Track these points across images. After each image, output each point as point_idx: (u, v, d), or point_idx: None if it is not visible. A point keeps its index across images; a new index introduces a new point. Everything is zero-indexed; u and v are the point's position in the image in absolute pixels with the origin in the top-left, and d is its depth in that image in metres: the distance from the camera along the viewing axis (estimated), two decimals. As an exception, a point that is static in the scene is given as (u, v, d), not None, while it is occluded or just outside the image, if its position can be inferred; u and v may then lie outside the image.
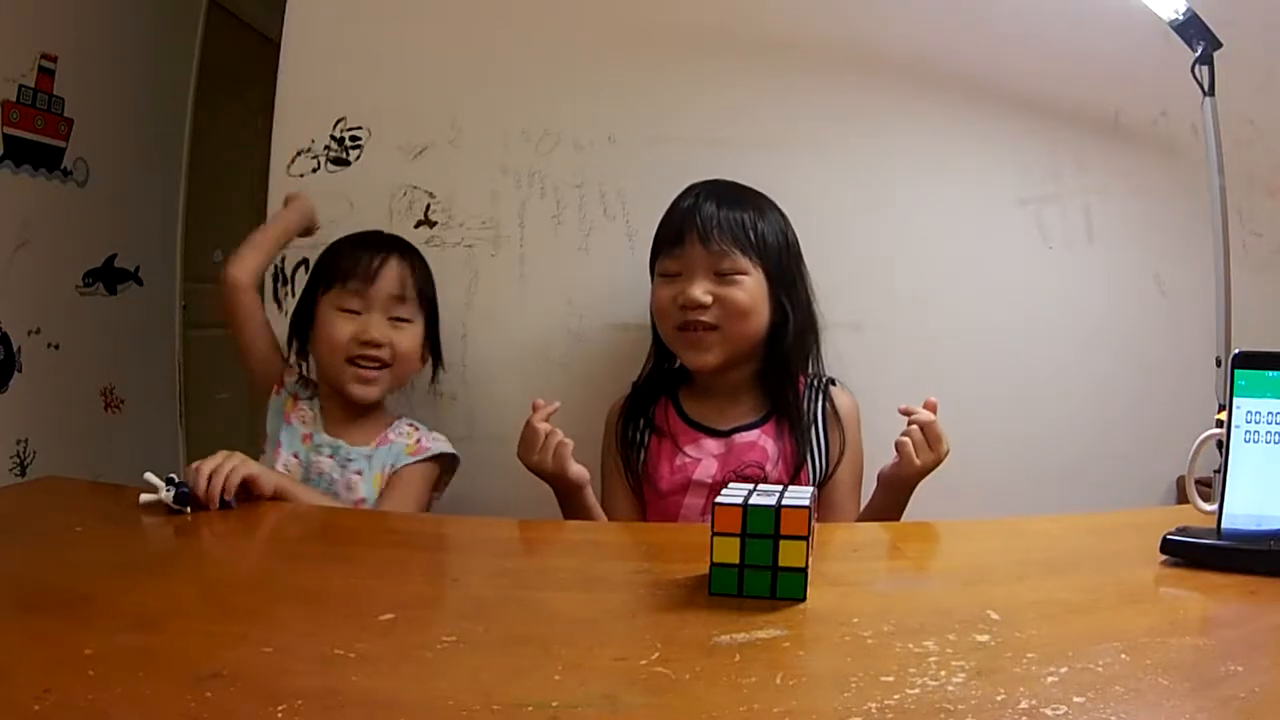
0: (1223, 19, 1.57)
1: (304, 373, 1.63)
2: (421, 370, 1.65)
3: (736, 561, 0.82)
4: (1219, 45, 1.55)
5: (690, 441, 1.50)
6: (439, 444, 1.57)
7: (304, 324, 1.58)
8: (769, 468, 1.46)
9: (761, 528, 0.82)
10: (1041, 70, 1.80)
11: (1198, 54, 1.55)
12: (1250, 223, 1.79)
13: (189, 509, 1.16)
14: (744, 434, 1.48)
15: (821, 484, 1.47)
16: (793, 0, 1.82)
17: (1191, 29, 1.55)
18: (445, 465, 1.58)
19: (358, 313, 1.52)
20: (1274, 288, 1.78)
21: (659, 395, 1.56)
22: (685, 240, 1.45)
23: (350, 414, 1.56)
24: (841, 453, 1.48)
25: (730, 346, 1.46)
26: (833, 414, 1.51)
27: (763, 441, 1.47)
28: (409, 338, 1.56)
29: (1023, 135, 1.81)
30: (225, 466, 1.20)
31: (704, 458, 1.48)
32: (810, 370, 1.55)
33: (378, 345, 1.51)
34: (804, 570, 0.82)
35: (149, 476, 1.18)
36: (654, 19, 1.82)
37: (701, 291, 1.43)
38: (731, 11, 1.82)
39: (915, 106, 1.81)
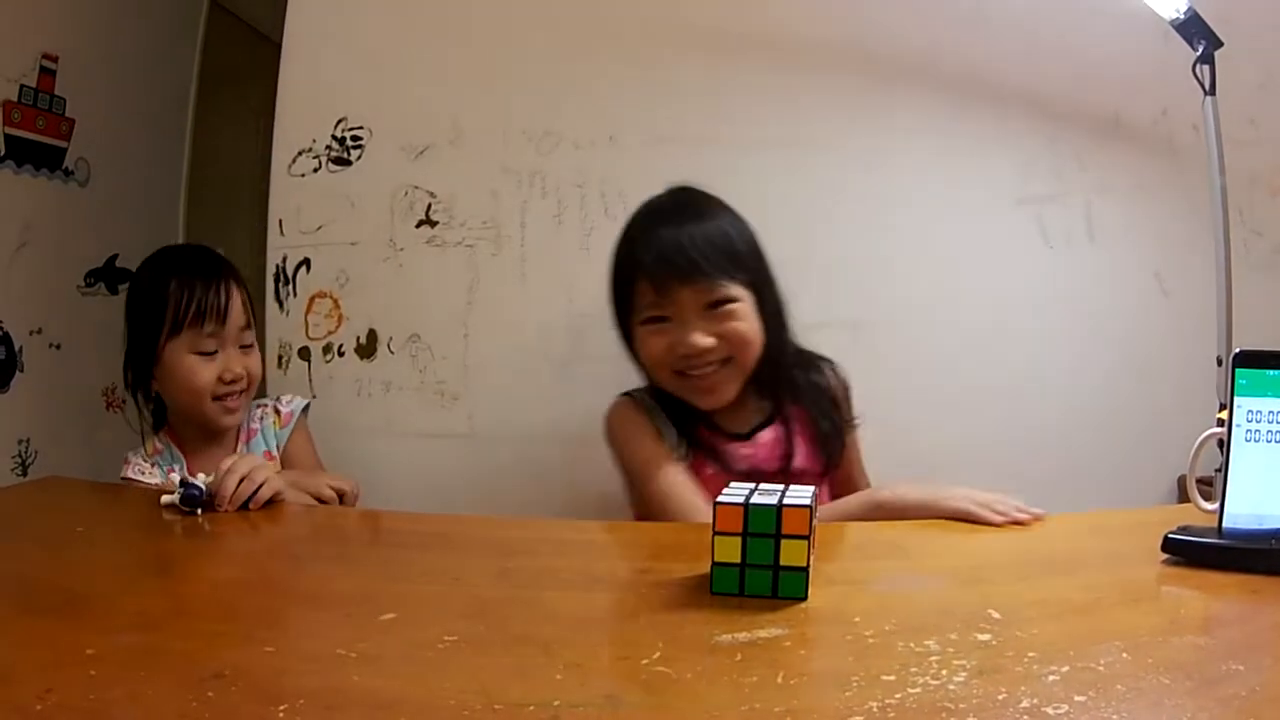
0: (1224, 18, 1.56)
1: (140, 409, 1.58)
2: None
3: (738, 561, 0.82)
4: (1220, 44, 1.55)
5: (726, 444, 1.43)
6: (296, 401, 1.66)
7: (145, 365, 1.52)
8: (797, 460, 1.42)
9: (763, 527, 0.82)
10: (1042, 70, 1.80)
11: (1199, 53, 1.55)
12: (1251, 222, 1.79)
13: (199, 511, 1.16)
14: (764, 433, 1.44)
15: (836, 461, 1.46)
16: (793, 1, 1.82)
17: (1192, 28, 1.54)
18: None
19: (214, 352, 1.50)
20: (1275, 287, 1.77)
21: (679, 411, 1.44)
22: (667, 283, 1.32)
23: (205, 436, 1.55)
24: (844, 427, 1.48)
25: (743, 374, 1.39)
26: (833, 389, 1.49)
27: (779, 435, 1.44)
28: (256, 359, 1.57)
29: (1023, 134, 1.81)
30: (257, 477, 1.19)
31: (750, 453, 1.43)
32: (790, 349, 1.47)
33: (238, 379, 1.51)
34: (805, 569, 0.82)
35: (173, 477, 1.18)
36: (654, 19, 1.82)
37: (702, 336, 1.33)
38: (732, 11, 1.82)
39: (915, 106, 1.81)
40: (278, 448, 1.59)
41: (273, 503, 1.21)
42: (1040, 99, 1.80)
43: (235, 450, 1.56)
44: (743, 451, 1.42)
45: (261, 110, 2.37)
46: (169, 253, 1.62)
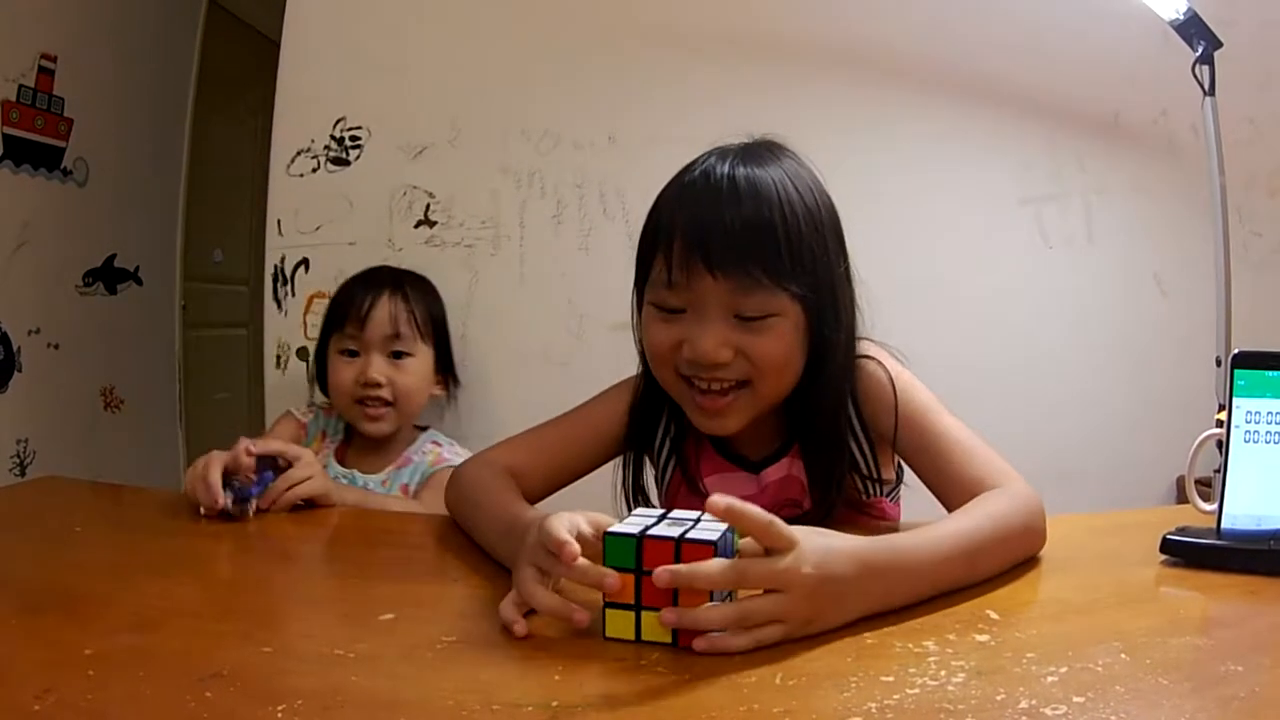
0: (1223, 19, 1.57)
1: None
2: (439, 395, 1.68)
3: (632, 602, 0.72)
4: (1219, 45, 1.55)
5: (713, 472, 1.16)
6: (459, 457, 1.58)
7: (322, 361, 1.63)
8: (806, 502, 1.12)
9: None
10: (1042, 70, 1.80)
11: (1198, 54, 1.55)
12: (1250, 222, 1.79)
13: (251, 509, 1.13)
14: (773, 468, 1.15)
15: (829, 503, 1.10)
16: (793, 1, 1.82)
17: (1192, 29, 1.55)
18: None
19: (357, 354, 1.56)
20: (1274, 287, 1.78)
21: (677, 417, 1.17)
22: (690, 265, 0.99)
23: (369, 443, 1.61)
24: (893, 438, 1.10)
25: (760, 405, 1.06)
26: (863, 400, 1.12)
27: (795, 470, 1.14)
28: (411, 374, 1.58)
29: (1023, 135, 1.81)
30: (297, 475, 1.18)
31: (754, 493, 1.13)
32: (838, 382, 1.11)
33: (378, 385, 1.54)
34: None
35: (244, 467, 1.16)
36: (654, 19, 1.82)
37: (719, 345, 1.00)
38: (732, 12, 1.82)
39: (915, 107, 1.81)
40: (420, 480, 1.57)
41: (314, 505, 1.20)
42: (1040, 100, 1.80)
43: (392, 464, 1.59)
44: (744, 490, 1.10)
45: (260, 110, 2.37)
46: (375, 269, 1.71)
